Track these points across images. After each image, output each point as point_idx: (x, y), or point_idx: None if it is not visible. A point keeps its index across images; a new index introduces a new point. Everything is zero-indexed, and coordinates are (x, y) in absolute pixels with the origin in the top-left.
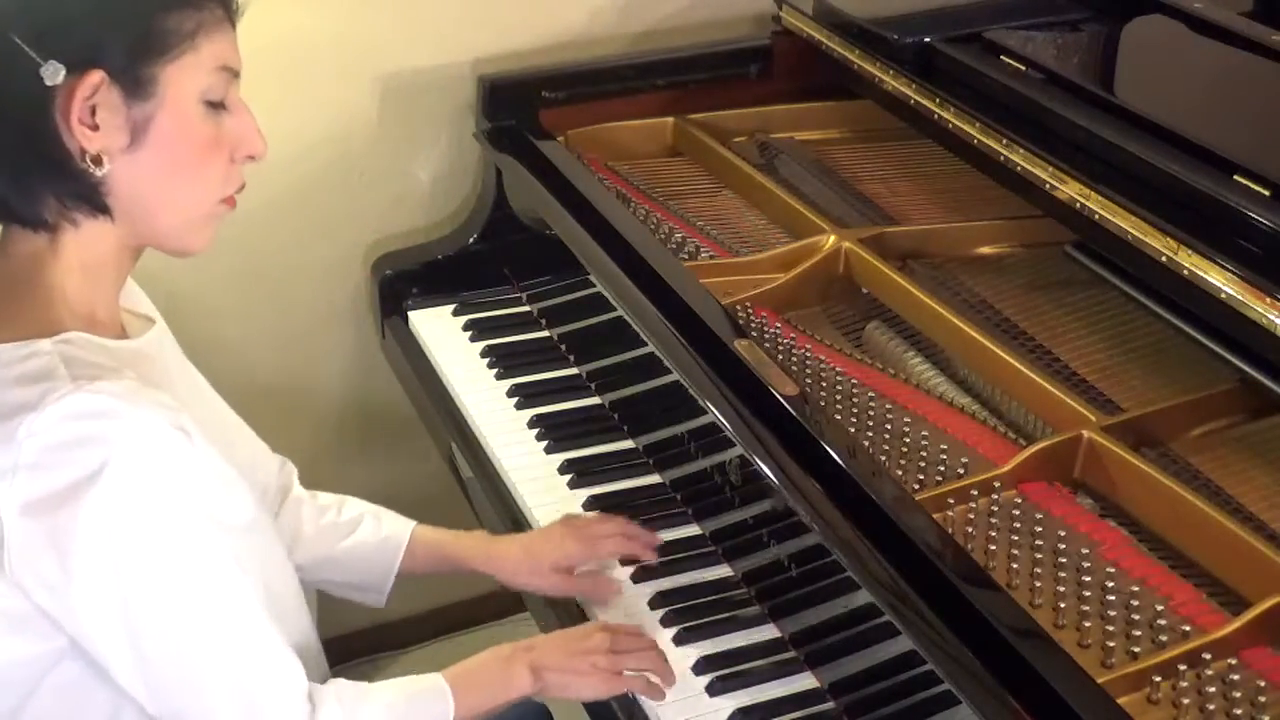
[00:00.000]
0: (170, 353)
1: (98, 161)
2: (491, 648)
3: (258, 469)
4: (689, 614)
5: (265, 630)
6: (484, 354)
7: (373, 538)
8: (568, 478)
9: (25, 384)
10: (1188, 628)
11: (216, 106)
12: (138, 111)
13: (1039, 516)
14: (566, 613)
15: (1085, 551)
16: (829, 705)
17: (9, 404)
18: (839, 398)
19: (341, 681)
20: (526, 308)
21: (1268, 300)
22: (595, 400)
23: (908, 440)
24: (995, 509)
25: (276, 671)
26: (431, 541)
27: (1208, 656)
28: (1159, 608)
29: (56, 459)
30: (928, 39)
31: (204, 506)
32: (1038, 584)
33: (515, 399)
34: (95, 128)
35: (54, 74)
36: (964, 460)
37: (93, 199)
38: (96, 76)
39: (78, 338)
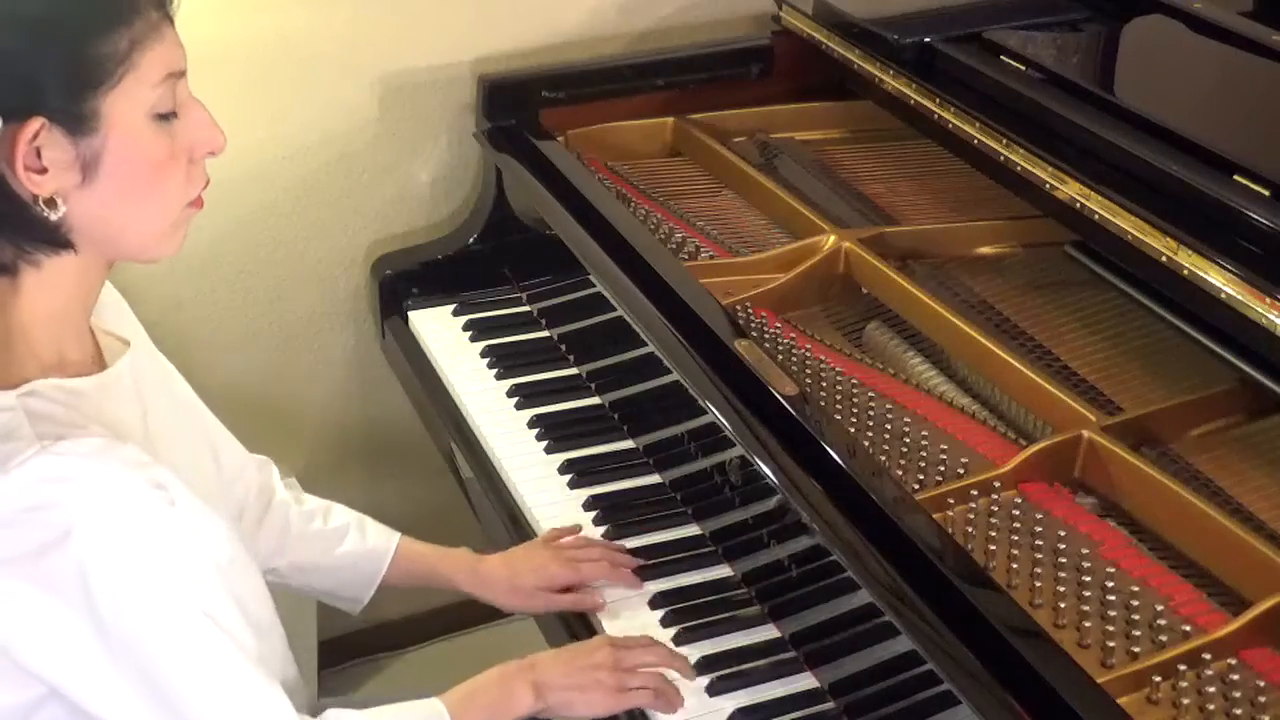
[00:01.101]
0: (147, 374)
1: (51, 204)
2: (493, 667)
3: (238, 481)
4: (689, 614)
5: (248, 675)
6: (484, 354)
7: (358, 548)
8: (568, 478)
9: None
10: (1188, 628)
11: (167, 117)
12: (85, 147)
13: (1039, 516)
14: (567, 614)
15: (1085, 551)
16: (829, 705)
17: None
18: (839, 398)
19: (334, 712)
20: (526, 308)
21: (1268, 300)
22: (595, 400)
23: (908, 440)
24: (995, 509)
25: (262, 710)
26: (416, 556)
27: (1208, 656)
28: (1159, 608)
29: (24, 519)
30: (928, 39)
31: (175, 556)
32: (1038, 584)
33: (515, 399)
34: (43, 170)
35: None
36: (964, 460)
37: (53, 239)
38: (36, 124)
39: (44, 388)
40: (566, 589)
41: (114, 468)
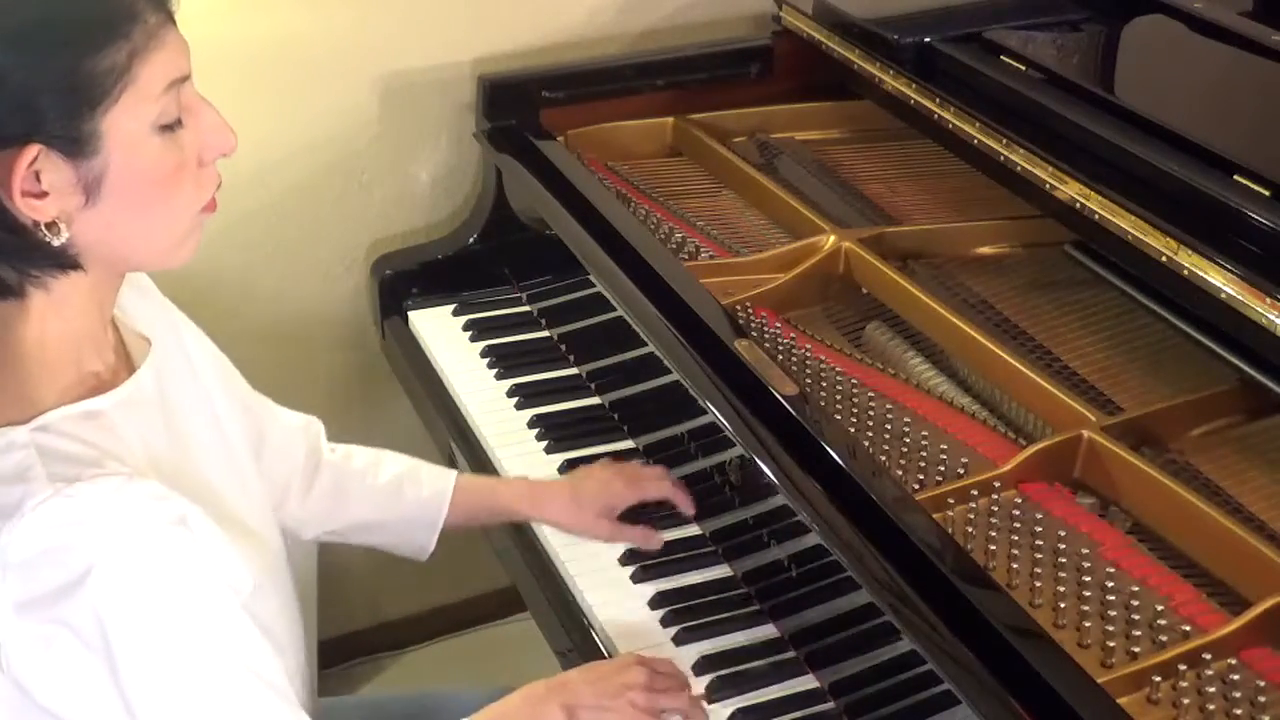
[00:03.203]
0: (175, 373)
1: (54, 228)
2: (523, 687)
3: (286, 456)
4: (689, 614)
5: (276, 710)
6: (484, 354)
7: (415, 498)
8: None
9: (3, 485)
10: (1188, 628)
11: (173, 126)
12: (86, 169)
13: (1039, 516)
14: (567, 614)
15: (1085, 551)
16: (829, 705)
17: None
18: (839, 398)
19: None
20: (526, 308)
21: (1267, 300)
22: (595, 400)
23: (908, 440)
24: (995, 509)
25: None
26: (475, 490)
27: (1208, 656)
28: (1159, 608)
29: (42, 561)
30: (928, 39)
31: (200, 598)
32: (1038, 584)
33: (515, 399)
34: (43, 195)
35: None
36: (964, 460)
37: (60, 261)
38: (31, 151)
39: (57, 421)
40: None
41: (131, 508)
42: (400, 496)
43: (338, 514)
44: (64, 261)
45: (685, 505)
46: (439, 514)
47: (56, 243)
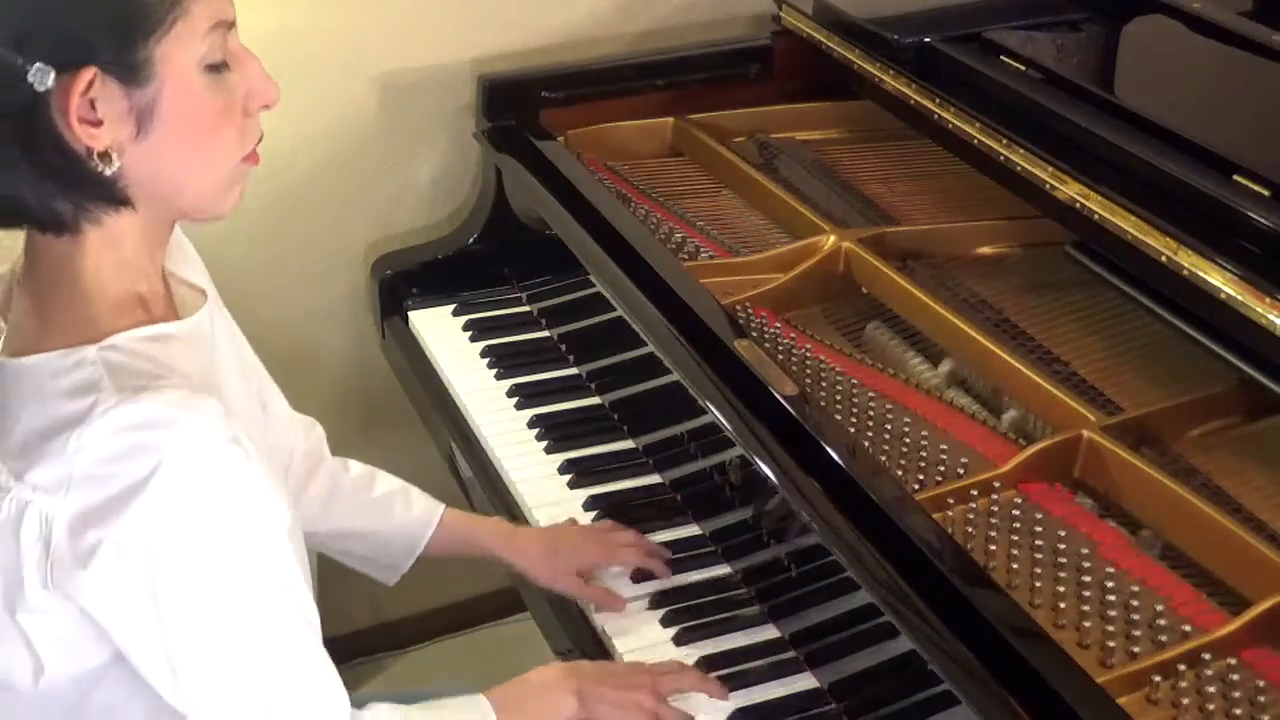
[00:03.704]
0: (221, 328)
1: (107, 158)
2: (537, 669)
3: (283, 444)
4: (689, 614)
5: (311, 650)
6: (484, 354)
7: (403, 517)
8: (568, 478)
9: (72, 397)
10: (1188, 628)
11: (219, 68)
12: (139, 98)
13: (1039, 516)
14: (567, 614)
15: (1085, 551)
16: (829, 705)
17: (58, 418)
18: (839, 398)
19: (380, 706)
20: (526, 308)
21: (1267, 300)
22: (595, 400)
23: (908, 440)
24: (995, 509)
25: (319, 695)
26: (456, 525)
27: (1208, 656)
28: (1159, 608)
29: (108, 470)
30: (928, 39)
31: (254, 516)
32: (1038, 584)
33: (515, 399)
34: (98, 123)
35: (43, 78)
36: (964, 460)
37: (110, 194)
38: (89, 73)
39: (123, 342)
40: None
41: (196, 418)
42: (389, 512)
43: (326, 517)
44: (115, 195)
45: (660, 570)
46: (421, 537)
47: (108, 172)
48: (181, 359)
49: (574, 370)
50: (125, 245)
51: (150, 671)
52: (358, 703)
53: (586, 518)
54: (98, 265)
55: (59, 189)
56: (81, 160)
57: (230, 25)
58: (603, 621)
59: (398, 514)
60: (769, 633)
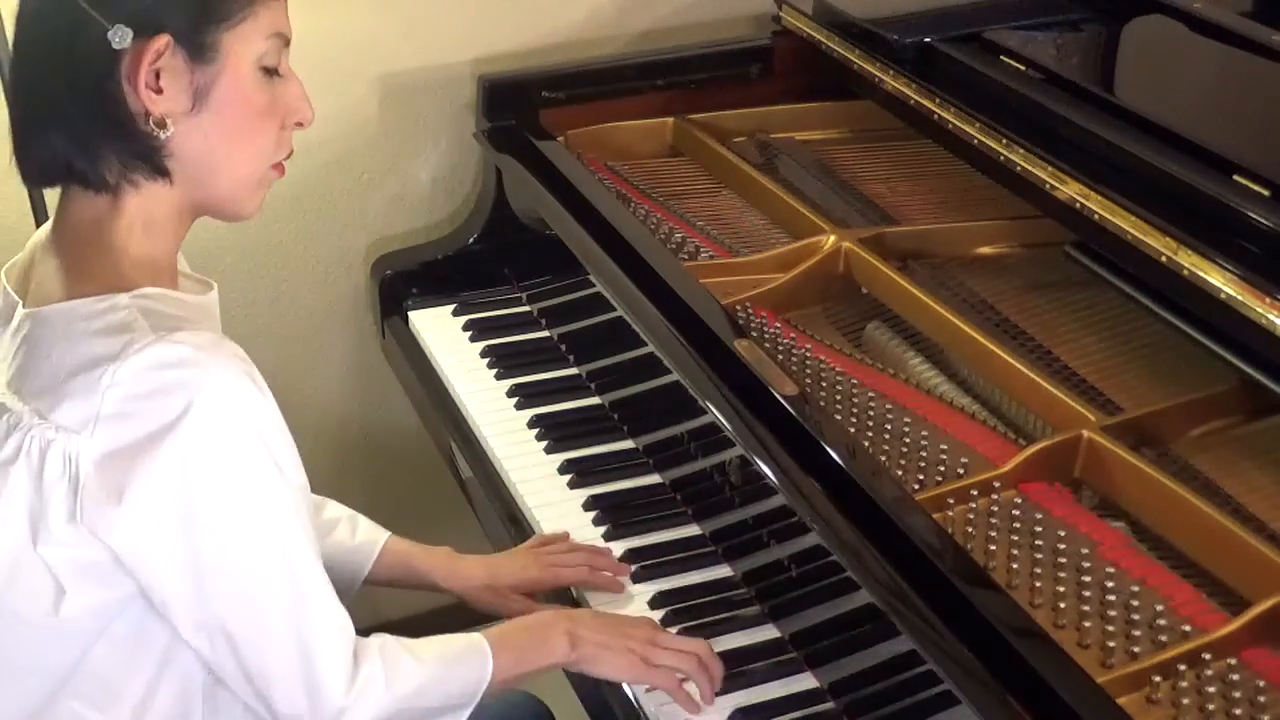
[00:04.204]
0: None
1: (161, 124)
2: (533, 613)
3: None
4: (689, 614)
5: (322, 579)
6: (484, 354)
7: (348, 541)
8: (568, 478)
9: (106, 335)
10: (1188, 628)
11: (270, 73)
12: (200, 76)
13: (1039, 516)
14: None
15: (1085, 551)
16: (829, 705)
17: (90, 355)
18: (839, 398)
19: (385, 636)
20: (526, 308)
21: (1267, 300)
22: (595, 400)
23: (908, 440)
24: (995, 509)
25: (330, 620)
26: (400, 552)
27: (1208, 656)
28: (1159, 608)
29: (139, 408)
30: (928, 39)
31: (274, 458)
32: (1038, 584)
33: (515, 399)
34: (160, 91)
35: (122, 38)
36: (964, 460)
37: (153, 160)
38: (163, 40)
39: (154, 293)
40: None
41: (230, 360)
42: (332, 535)
43: None
44: (158, 164)
45: (606, 586)
46: (365, 563)
47: (163, 137)
48: (205, 324)
49: (574, 370)
50: (156, 218)
51: (173, 605)
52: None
53: (587, 518)
54: (130, 229)
55: (110, 146)
56: (136, 120)
57: (286, 42)
58: None
59: (343, 539)
60: (769, 633)
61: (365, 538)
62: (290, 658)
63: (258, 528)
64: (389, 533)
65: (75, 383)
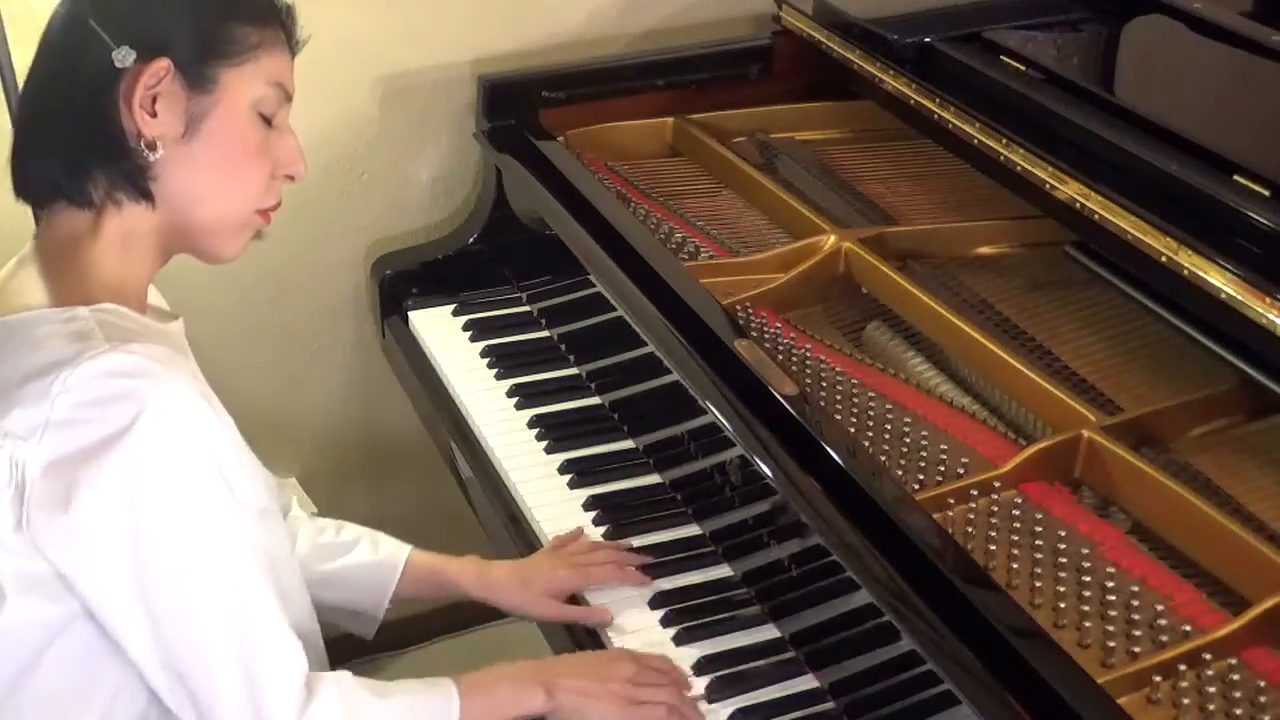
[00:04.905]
0: (189, 354)
1: (152, 146)
2: (510, 663)
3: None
4: (689, 614)
5: (270, 607)
6: (484, 354)
7: (370, 559)
8: (568, 478)
9: (63, 343)
10: (1188, 628)
11: (266, 120)
12: (195, 105)
13: (1039, 516)
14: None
15: (1085, 551)
16: (829, 705)
17: (45, 361)
18: (839, 398)
19: (344, 673)
20: (526, 308)
21: (1267, 300)
22: (595, 400)
23: (908, 440)
24: (995, 509)
25: (278, 649)
26: (426, 565)
27: (1208, 656)
28: (1159, 608)
29: (88, 414)
30: (928, 39)
31: (224, 476)
32: (1038, 584)
33: (515, 399)
34: (154, 114)
35: (125, 57)
36: (964, 460)
37: (139, 182)
38: (164, 64)
39: (113, 309)
40: (573, 598)
41: (180, 376)
42: (355, 554)
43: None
44: (143, 187)
45: (635, 581)
46: (391, 579)
47: (151, 158)
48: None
49: (574, 370)
50: (134, 241)
51: (117, 624)
52: None
53: (587, 518)
54: (107, 248)
55: (99, 164)
56: (127, 139)
57: (288, 98)
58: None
59: (365, 556)
60: (769, 633)
61: (388, 553)
62: (234, 682)
63: (202, 545)
64: (411, 546)
65: (27, 389)
